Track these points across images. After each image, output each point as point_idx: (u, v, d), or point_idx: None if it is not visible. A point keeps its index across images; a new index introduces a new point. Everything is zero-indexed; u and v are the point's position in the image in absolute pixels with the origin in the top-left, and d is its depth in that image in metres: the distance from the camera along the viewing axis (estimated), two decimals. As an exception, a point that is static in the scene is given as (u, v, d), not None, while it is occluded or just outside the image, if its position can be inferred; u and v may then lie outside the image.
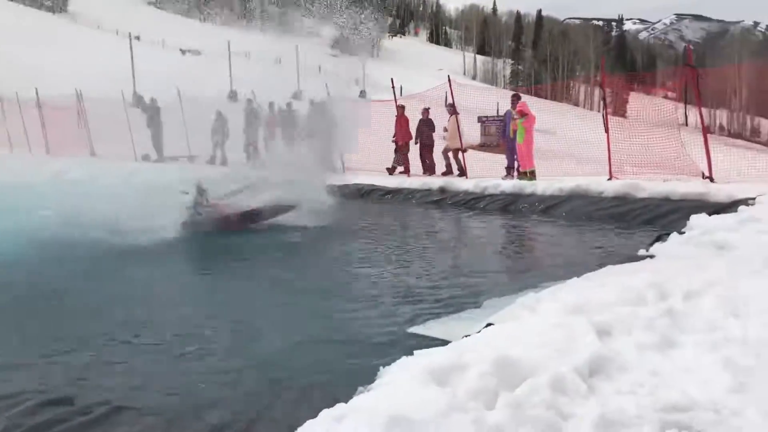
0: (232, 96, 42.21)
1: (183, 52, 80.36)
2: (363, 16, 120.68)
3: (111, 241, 9.06)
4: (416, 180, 14.26)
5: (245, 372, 4.60)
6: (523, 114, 13.25)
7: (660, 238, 7.59)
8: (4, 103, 25.19)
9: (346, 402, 3.27)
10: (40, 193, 15.34)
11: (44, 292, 7.10)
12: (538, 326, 4.17)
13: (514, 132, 13.50)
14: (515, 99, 14.03)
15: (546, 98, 61.72)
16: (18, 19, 71.11)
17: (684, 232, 7.76)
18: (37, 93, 23.70)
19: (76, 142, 23.38)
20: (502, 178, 13.69)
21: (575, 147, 17.51)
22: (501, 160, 15.97)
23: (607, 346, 3.85)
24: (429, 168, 16.31)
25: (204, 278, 7.31)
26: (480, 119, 26.89)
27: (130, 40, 47.58)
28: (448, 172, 15.30)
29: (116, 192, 14.35)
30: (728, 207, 9.23)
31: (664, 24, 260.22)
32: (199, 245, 8.60)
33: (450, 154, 15.49)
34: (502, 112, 25.52)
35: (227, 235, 9.30)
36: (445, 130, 15.51)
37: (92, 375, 4.62)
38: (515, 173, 14.12)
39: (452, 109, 15.31)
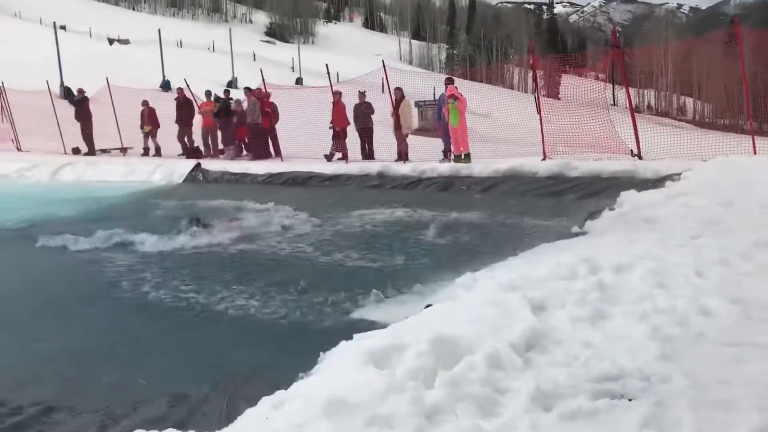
0: (165, 85, 41.31)
1: (111, 41, 77.83)
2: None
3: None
4: (354, 165, 14.22)
5: (183, 365, 4.54)
6: (455, 97, 13.35)
7: (592, 215, 7.79)
8: None
9: (286, 389, 3.27)
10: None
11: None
12: (475, 304, 4.24)
13: (448, 115, 13.59)
14: (447, 82, 14.12)
15: (481, 81, 62.42)
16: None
17: (614, 209, 8.00)
18: (-45, 87, 22.64)
19: (1, 137, 22.43)
20: (439, 162, 13.80)
21: (509, 129, 17.77)
22: (437, 143, 16.07)
23: (542, 320, 3.95)
24: (368, 153, 16.30)
25: (136, 279, 7.09)
26: (417, 104, 26.98)
27: (55, 29, 45.66)
28: (405, 157, 15.09)
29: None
30: (656, 183, 9.55)
31: (593, 7, 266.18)
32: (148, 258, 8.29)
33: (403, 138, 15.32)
34: (438, 97, 25.70)
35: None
36: (394, 115, 15.37)
37: (21, 376, 4.49)
38: (451, 156, 14.24)
39: (401, 93, 15.27)
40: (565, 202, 9.83)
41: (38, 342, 5.17)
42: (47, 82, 23.20)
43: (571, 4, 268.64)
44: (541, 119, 13.04)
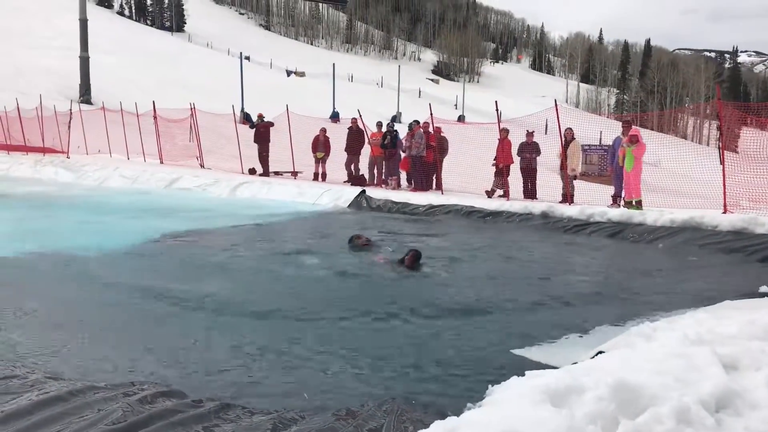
0: (335, 116, 43.29)
1: (288, 73, 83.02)
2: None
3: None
4: (517, 203, 14.01)
5: (349, 382, 4.62)
6: (635, 141, 12.81)
7: (784, 276, 7.11)
8: (125, 114, 26.74)
9: (457, 416, 3.21)
10: (155, 199, 16.23)
11: (164, 286, 7.44)
12: (657, 354, 3.97)
13: (623, 159, 13.09)
14: (626, 126, 13.61)
15: (652, 129, 59.74)
16: (142, 39, 75.60)
17: (811, 271, 7.26)
18: (154, 106, 25.01)
19: (187, 153, 24.53)
20: (609, 206, 13.28)
21: (680, 181, 16.88)
22: (601, 189, 15.54)
23: (734, 380, 3.62)
24: (530, 193, 16.06)
25: (325, 288, 7.45)
26: (582, 148, 26.34)
27: (241, 59, 49.54)
28: (570, 199, 14.71)
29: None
30: None
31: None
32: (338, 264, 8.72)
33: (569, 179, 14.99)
34: (605, 142, 24.88)
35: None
36: (562, 154, 15.10)
37: (201, 371, 4.77)
38: (621, 202, 13.69)
39: (572, 134, 15.00)
40: (749, 259, 9.07)
41: (213, 340, 5.49)
42: (233, 106, 25.08)
43: (758, 53, 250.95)
44: (724, 170, 12.23)
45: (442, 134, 18.00)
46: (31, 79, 40.59)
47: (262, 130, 20.97)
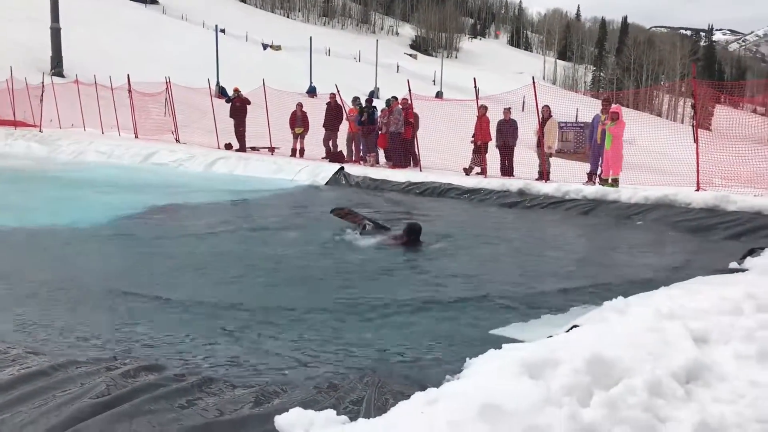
0: (311, 90, 42.99)
1: (265, 46, 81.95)
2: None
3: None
4: (494, 181, 14.11)
5: (329, 358, 4.68)
6: (615, 118, 12.92)
7: (753, 252, 7.29)
8: (98, 87, 26.30)
9: (436, 388, 3.29)
10: (133, 174, 16.09)
11: (141, 263, 7.43)
12: (630, 329, 4.08)
13: (601, 137, 13.23)
14: (606, 104, 13.72)
15: (628, 106, 60.17)
16: (114, 10, 74.04)
17: (779, 248, 7.45)
18: (128, 79, 24.63)
19: (162, 127, 24.24)
20: (584, 184, 13.44)
21: (656, 158, 17.07)
22: (577, 166, 15.69)
23: (704, 353, 3.75)
24: (507, 170, 16.17)
25: (304, 267, 7.49)
26: (559, 125, 26.45)
27: (216, 32, 48.84)
28: (546, 176, 14.87)
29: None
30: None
31: (757, 36, 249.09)
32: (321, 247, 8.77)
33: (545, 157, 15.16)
34: (581, 119, 25.03)
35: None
36: (539, 132, 15.25)
37: (181, 348, 4.79)
38: (597, 179, 13.85)
39: (549, 111, 15.14)
40: (720, 236, 9.27)
41: (192, 318, 5.52)
42: (208, 80, 24.77)
43: (732, 31, 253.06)
44: (697, 149, 12.41)
45: (413, 110, 17.97)
46: (0, 52, 39.66)
47: (238, 105, 20.74)
